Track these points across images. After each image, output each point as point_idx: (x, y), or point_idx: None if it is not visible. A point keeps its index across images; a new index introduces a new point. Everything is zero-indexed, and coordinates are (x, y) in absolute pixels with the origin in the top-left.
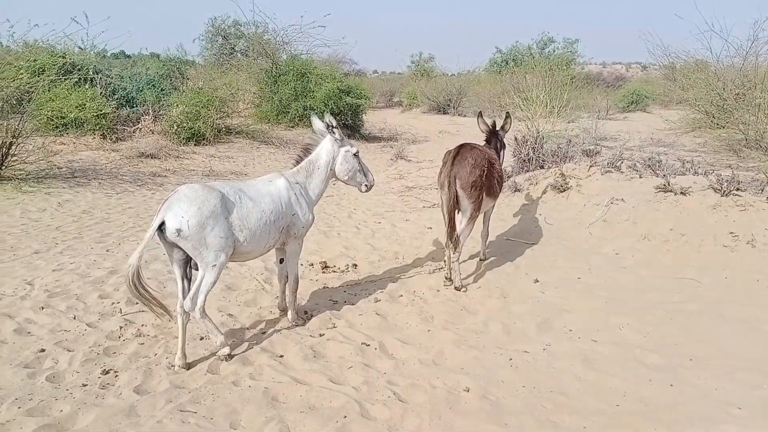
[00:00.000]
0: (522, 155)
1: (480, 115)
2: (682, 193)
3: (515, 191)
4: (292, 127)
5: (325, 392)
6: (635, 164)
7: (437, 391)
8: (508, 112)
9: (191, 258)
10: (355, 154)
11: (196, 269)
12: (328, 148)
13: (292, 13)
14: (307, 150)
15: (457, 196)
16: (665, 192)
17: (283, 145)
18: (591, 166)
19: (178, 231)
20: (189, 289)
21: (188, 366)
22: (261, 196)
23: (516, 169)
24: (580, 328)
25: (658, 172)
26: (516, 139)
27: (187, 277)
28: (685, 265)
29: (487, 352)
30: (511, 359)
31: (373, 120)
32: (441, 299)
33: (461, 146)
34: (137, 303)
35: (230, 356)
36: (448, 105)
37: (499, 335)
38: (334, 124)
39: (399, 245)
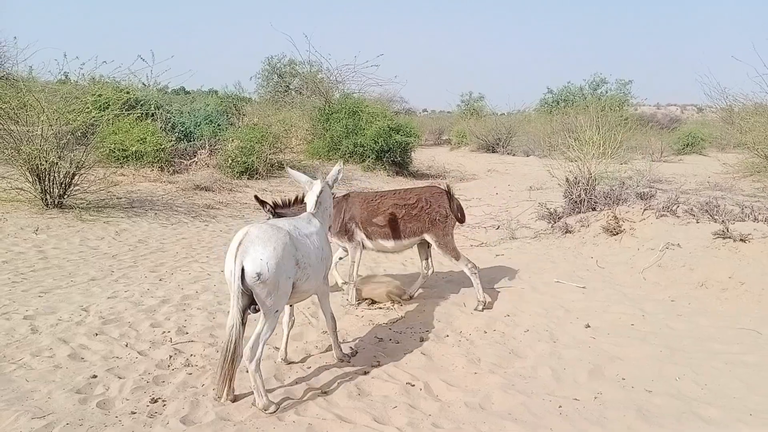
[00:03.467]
0: (573, 196)
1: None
2: (741, 239)
3: (566, 233)
4: (343, 163)
5: None
6: (692, 208)
7: None
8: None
9: (251, 304)
10: None
11: (253, 312)
12: (328, 191)
13: (346, 53)
14: (320, 194)
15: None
16: (724, 238)
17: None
18: (645, 210)
19: (259, 275)
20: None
21: (235, 399)
22: (310, 234)
23: (567, 210)
24: (633, 376)
25: (716, 217)
26: (567, 179)
27: (242, 322)
28: (745, 315)
29: (535, 398)
30: (560, 406)
31: (421, 158)
32: (488, 341)
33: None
34: (186, 334)
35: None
36: (498, 144)
37: (548, 381)
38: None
39: (446, 284)
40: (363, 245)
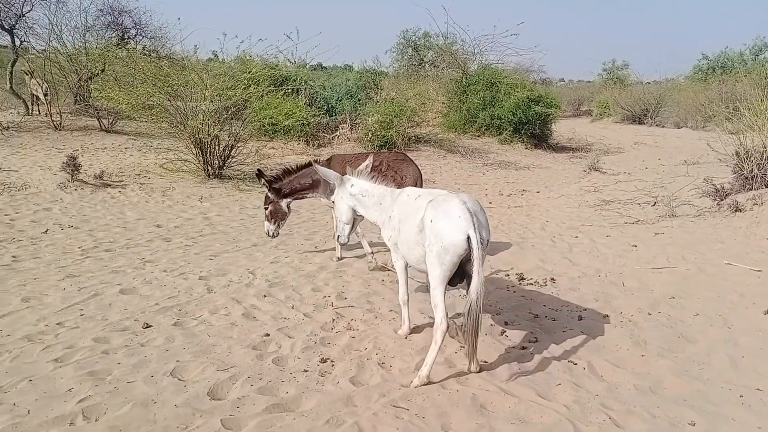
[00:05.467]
0: (744, 172)
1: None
2: None
3: (735, 211)
4: (479, 136)
5: (534, 407)
6: None
7: (658, 421)
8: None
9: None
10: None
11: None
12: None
13: (485, 23)
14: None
15: None
16: None
17: (468, 154)
18: None
19: (488, 241)
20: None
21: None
22: None
23: (736, 187)
24: None
25: None
26: (737, 153)
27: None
28: None
29: (712, 385)
30: (741, 396)
31: (560, 130)
32: (653, 323)
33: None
34: (345, 299)
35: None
36: (645, 115)
37: (725, 368)
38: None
39: (601, 262)
40: None
